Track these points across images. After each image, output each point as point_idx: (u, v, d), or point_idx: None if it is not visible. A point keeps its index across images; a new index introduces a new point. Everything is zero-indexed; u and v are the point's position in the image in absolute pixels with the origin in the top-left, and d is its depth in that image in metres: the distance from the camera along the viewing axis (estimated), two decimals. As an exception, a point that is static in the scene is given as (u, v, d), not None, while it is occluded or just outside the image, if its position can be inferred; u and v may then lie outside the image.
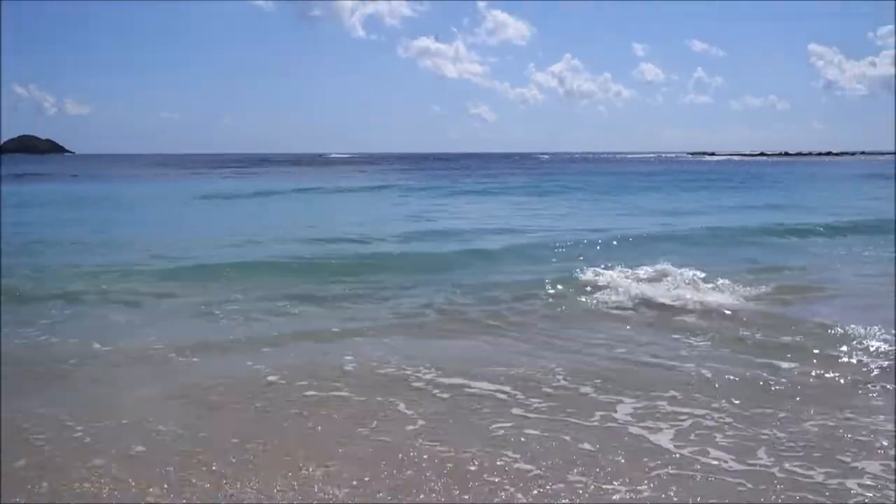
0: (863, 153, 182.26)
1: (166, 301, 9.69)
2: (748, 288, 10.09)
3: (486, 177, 54.95)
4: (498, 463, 4.72)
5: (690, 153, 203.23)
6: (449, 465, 4.70)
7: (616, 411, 5.63)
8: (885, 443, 5.00)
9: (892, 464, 4.66)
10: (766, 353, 7.10)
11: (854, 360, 6.80)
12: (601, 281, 10.49)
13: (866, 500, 4.21)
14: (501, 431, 5.27)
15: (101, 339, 7.66)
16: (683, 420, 5.45)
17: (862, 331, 7.60)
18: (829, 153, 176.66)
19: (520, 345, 7.59)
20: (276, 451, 4.92)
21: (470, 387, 6.18)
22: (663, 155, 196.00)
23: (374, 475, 4.54)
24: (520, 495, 4.29)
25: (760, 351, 7.22)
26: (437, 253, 13.72)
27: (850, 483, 4.42)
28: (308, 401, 5.91)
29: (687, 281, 10.34)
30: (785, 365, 6.73)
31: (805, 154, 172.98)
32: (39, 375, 6.56)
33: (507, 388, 6.13)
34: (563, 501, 4.21)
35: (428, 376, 6.44)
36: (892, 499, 4.22)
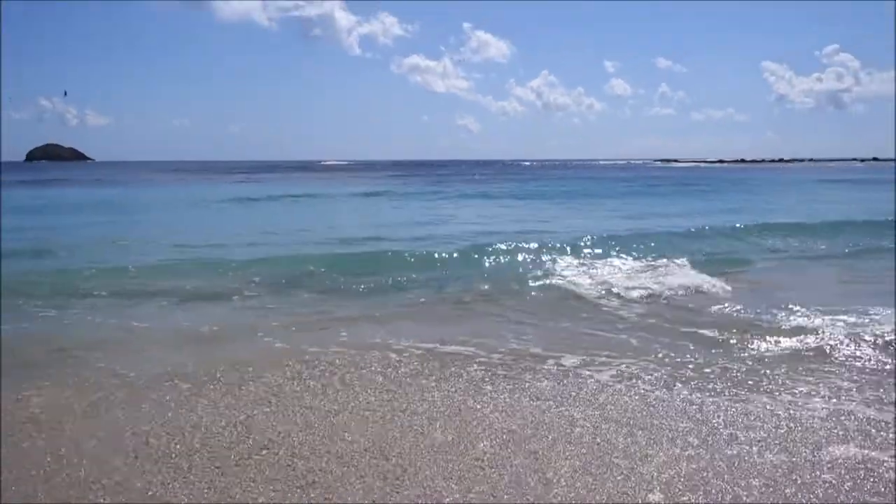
0: (811, 160, 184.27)
1: (195, 292, 10.04)
2: (706, 277, 10.65)
3: (475, 182, 54.83)
4: (480, 395, 5.53)
5: (656, 160, 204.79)
6: (438, 395, 5.49)
7: (563, 362, 6.41)
8: (769, 382, 5.84)
9: (778, 396, 5.47)
10: (692, 324, 7.87)
11: (764, 332, 7.63)
12: (569, 273, 11.16)
13: (756, 418, 4.99)
14: (479, 375, 6.05)
15: (138, 320, 8.30)
16: (618, 366, 6.25)
17: (778, 311, 8.34)
18: (781, 160, 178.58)
19: (481, 324, 8.16)
20: (286, 385, 5.67)
21: (441, 349, 6.88)
22: (632, 161, 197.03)
23: (381, 401, 5.31)
24: (497, 415, 5.09)
25: (687, 322, 7.98)
26: (433, 252, 13.74)
27: (750, 407, 5.23)
28: (311, 356, 6.63)
29: (642, 271, 11.11)
30: (706, 332, 7.50)
31: (759, 161, 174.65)
32: (90, 345, 7.16)
33: (471, 350, 6.86)
34: (531, 421, 4.98)
35: (406, 343, 7.10)
36: (776, 419, 5.00)
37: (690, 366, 6.22)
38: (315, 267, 11.84)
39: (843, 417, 4.98)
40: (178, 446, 4.54)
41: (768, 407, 5.21)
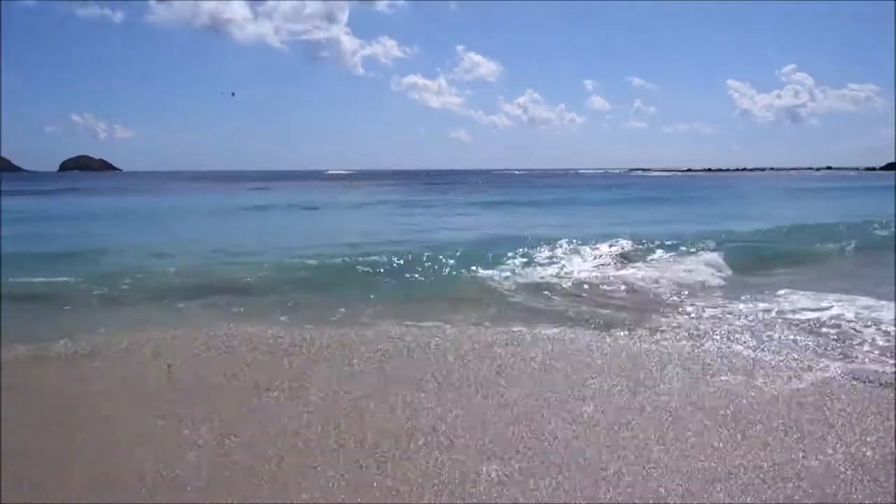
0: (771, 169, 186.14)
1: (227, 285, 10.32)
2: (698, 272, 11.19)
3: (476, 191, 52.84)
4: (456, 346, 6.55)
5: (631, 169, 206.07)
6: (425, 340, 6.49)
7: (511, 326, 7.38)
8: (682, 335, 6.92)
9: (685, 342, 6.47)
10: (647, 305, 8.81)
11: (701, 306, 8.92)
12: (527, 268, 11.70)
13: (667, 357, 5.97)
14: (450, 334, 7.06)
15: (179, 300, 9.18)
16: (556, 327, 7.30)
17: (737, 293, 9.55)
18: (744, 169, 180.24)
19: (460, 307, 8.77)
20: (300, 346, 6.70)
21: (419, 325, 7.58)
22: (609, 171, 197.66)
23: (380, 349, 6.31)
24: (470, 356, 6.06)
25: (645, 304, 8.85)
26: (436, 254, 13.14)
27: (661, 349, 6.18)
28: (311, 332, 7.74)
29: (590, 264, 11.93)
30: (621, 314, 8.45)
31: (724, 170, 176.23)
32: (143, 313, 8.31)
33: (439, 323, 7.65)
34: (495, 360, 5.94)
35: (392, 320, 7.87)
36: (681, 357, 5.95)
37: (624, 330, 7.18)
38: (340, 267, 11.94)
39: (731, 355, 6.05)
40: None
41: (675, 349, 6.23)
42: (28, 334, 6.91)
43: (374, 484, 3.68)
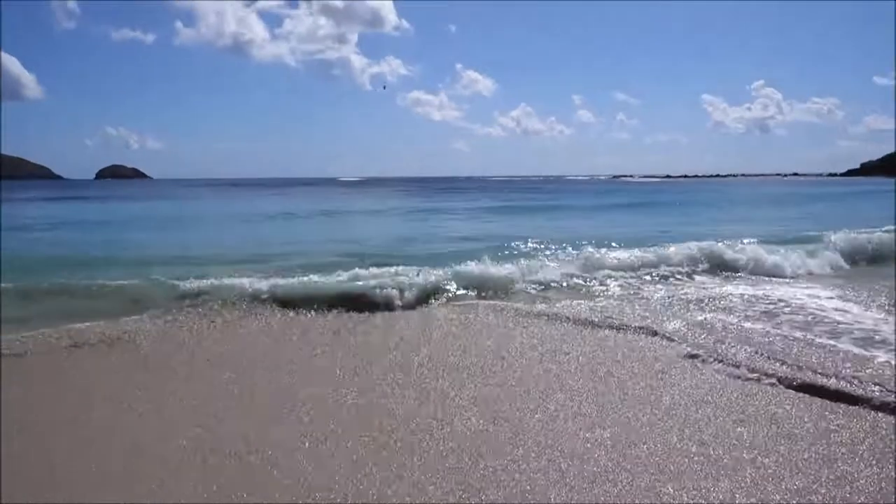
0: (742, 175, 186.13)
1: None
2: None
3: (475, 197, 50.17)
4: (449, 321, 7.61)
5: (616, 175, 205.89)
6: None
7: (489, 311, 8.34)
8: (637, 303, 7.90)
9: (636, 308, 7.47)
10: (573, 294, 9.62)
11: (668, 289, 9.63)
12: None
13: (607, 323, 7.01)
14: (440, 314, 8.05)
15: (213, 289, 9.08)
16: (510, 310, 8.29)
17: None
18: (717, 175, 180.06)
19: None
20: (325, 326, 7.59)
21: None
22: (595, 177, 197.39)
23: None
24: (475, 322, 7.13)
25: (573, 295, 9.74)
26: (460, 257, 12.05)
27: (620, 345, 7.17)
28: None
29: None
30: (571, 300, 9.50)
31: (700, 176, 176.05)
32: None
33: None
34: (487, 325, 7.03)
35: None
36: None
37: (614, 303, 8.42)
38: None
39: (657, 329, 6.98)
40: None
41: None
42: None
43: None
